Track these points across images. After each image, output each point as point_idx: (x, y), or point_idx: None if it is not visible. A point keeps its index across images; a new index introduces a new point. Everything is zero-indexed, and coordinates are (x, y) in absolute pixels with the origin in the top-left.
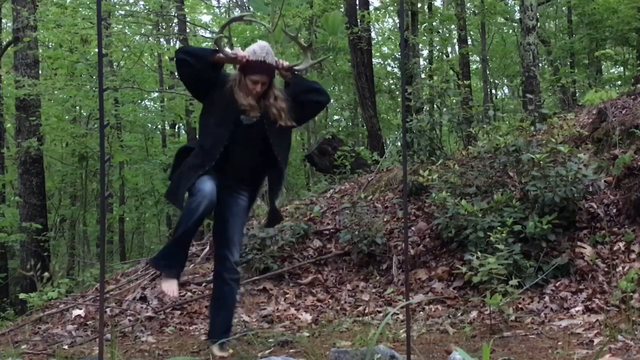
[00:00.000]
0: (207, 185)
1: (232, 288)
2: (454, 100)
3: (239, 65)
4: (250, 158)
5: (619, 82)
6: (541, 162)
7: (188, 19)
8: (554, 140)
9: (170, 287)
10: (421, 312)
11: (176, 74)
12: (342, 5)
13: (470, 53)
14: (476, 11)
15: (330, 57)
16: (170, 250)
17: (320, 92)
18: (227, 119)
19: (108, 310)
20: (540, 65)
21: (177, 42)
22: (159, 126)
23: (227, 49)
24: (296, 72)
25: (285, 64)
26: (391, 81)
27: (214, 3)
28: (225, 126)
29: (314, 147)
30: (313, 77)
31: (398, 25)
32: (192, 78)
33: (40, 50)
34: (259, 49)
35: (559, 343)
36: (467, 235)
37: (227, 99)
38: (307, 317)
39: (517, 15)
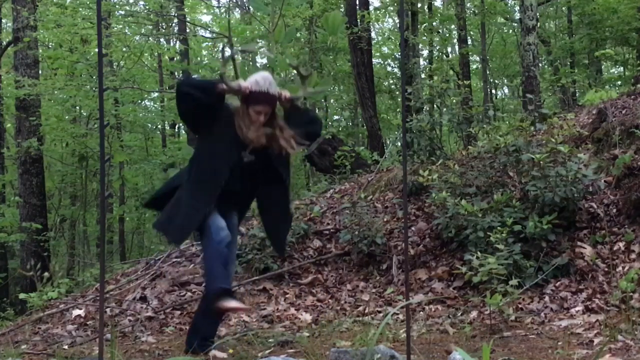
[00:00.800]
0: (221, 222)
1: None
2: (454, 100)
3: (241, 96)
4: (244, 187)
5: (619, 82)
6: (541, 162)
7: (188, 19)
8: (554, 140)
9: (235, 304)
10: (421, 312)
11: (176, 109)
12: (342, 5)
13: (470, 53)
14: (476, 11)
15: (331, 57)
16: (222, 284)
17: (315, 123)
18: (228, 155)
19: (108, 310)
20: (540, 65)
21: (177, 42)
22: (159, 126)
23: (231, 82)
24: (295, 104)
25: (287, 95)
26: (391, 81)
27: (214, 3)
28: (226, 163)
29: (314, 147)
30: (313, 77)
31: (398, 25)
32: (196, 111)
33: (40, 50)
34: (261, 79)
35: (559, 343)
36: (467, 235)
37: (229, 133)
38: (307, 317)
39: (517, 15)
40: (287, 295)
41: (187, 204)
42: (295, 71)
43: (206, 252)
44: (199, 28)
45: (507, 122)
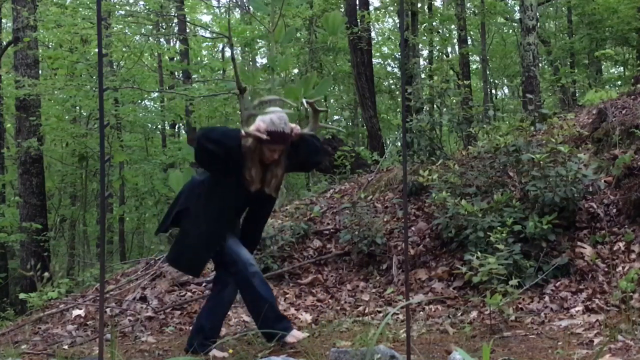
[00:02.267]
0: (245, 252)
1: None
2: (454, 100)
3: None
4: (245, 206)
5: (619, 82)
6: (541, 162)
7: (188, 19)
8: (554, 140)
9: (301, 335)
10: (421, 312)
11: (194, 158)
12: (342, 5)
13: (470, 53)
14: (476, 11)
15: (331, 57)
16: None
17: (320, 152)
18: (239, 191)
19: (108, 310)
20: (540, 65)
21: (177, 42)
22: (159, 126)
23: (251, 129)
24: (304, 135)
25: (297, 131)
26: (391, 81)
27: (214, 3)
28: (236, 200)
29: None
30: (313, 77)
31: (398, 25)
32: (218, 163)
33: (40, 50)
34: (277, 119)
35: (559, 343)
36: (467, 235)
37: (240, 171)
38: (307, 317)
39: (517, 15)
40: (287, 295)
41: (198, 238)
42: (306, 105)
43: (246, 283)
44: (199, 28)
45: (507, 122)
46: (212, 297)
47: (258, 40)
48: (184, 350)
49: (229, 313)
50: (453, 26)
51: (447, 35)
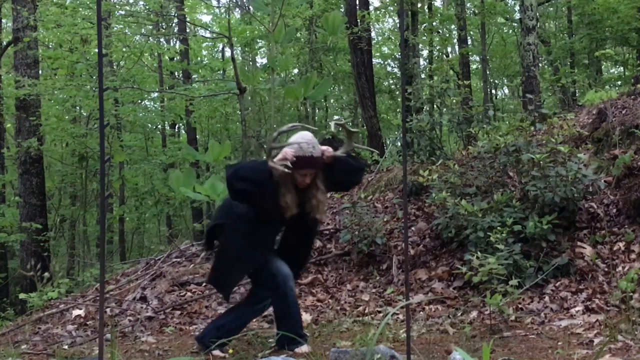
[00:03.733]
0: (284, 267)
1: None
2: (454, 100)
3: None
4: (288, 230)
5: (619, 82)
6: (541, 162)
7: (188, 19)
8: (554, 140)
9: (306, 349)
10: (421, 312)
11: (230, 195)
12: (342, 5)
13: (470, 53)
14: (476, 11)
15: (331, 57)
16: (293, 331)
17: (358, 172)
18: (280, 219)
19: (108, 310)
20: (540, 65)
21: (177, 42)
22: (159, 126)
23: (277, 160)
24: (338, 157)
25: (330, 153)
26: (391, 81)
27: (214, 3)
28: (278, 226)
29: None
30: (313, 77)
31: (398, 25)
32: (247, 198)
33: (40, 50)
34: (305, 144)
35: (559, 343)
36: (467, 235)
37: (275, 200)
38: (307, 317)
39: (517, 15)
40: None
41: (231, 260)
42: (334, 128)
43: (282, 298)
44: (199, 28)
45: (507, 122)
46: (242, 305)
47: (258, 40)
48: (195, 339)
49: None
50: (453, 26)
51: (447, 35)
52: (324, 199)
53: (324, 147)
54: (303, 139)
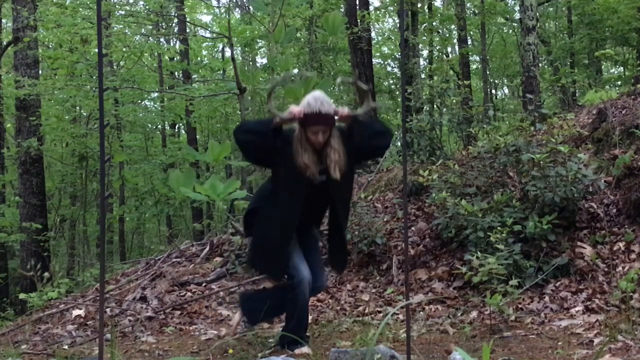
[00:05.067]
0: (305, 269)
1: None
2: (454, 100)
3: (298, 122)
4: (319, 207)
5: (619, 82)
6: (541, 162)
7: (188, 19)
8: (554, 140)
9: (306, 350)
10: (421, 312)
11: (241, 154)
12: (342, 5)
13: (470, 53)
14: (476, 11)
15: (330, 57)
16: (295, 332)
17: (384, 134)
18: (299, 186)
19: (108, 310)
20: (540, 65)
21: (177, 42)
22: (159, 126)
23: (282, 113)
24: (357, 117)
25: (345, 112)
26: (391, 81)
27: (214, 3)
28: (300, 192)
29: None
30: (313, 78)
31: (398, 25)
32: (260, 154)
33: (40, 50)
34: (313, 100)
35: (559, 343)
36: (467, 235)
37: (291, 161)
38: None
39: (517, 15)
40: None
41: (275, 243)
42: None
43: (293, 299)
44: (199, 28)
45: (507, 122)
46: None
47: (258, 40)
48: (243, 310)
49: (228, 313)
50: (453, 26)
51: (447, 35)
52: (340, 159)
53: (341, 109)
54: (312, 97)
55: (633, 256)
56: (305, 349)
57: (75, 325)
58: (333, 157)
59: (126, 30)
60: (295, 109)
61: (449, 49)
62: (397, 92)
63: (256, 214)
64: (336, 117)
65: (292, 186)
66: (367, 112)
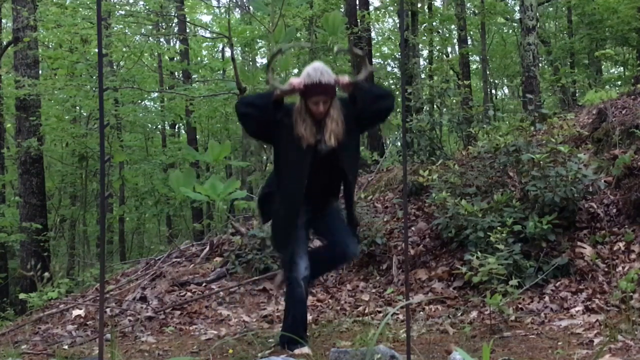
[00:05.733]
0: (303, 265)
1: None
2: (454, 100)
3: (299, 93)
4: (329, 178)
5: (619, 82)
6: (541, 162)
7: (188, 19)
8: (554, 140)
9: (307, 350)
10: (421, 312)
11: (242, 128)
12: (342, 5)
13: (470, 53)
14: (476, 11)
15: (330, 57)
16: (294, 331)
17: (385, 97)
18: (303, 156)
19: (108, 310)
20: (540, 65)
21: (177, 42)
22: (159, 126)
23: (282, 85)
24: (358, 83)
25: (346, 79)
26: (391, 81)
27: (214, 3)
28: (303, 164)
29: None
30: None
31: (398, 25)
32: (260, 127)
33: (40, 50)
34: (312, 71)
35: (559, 343)
36: (467, 235)
37: (290, 133)
38: (307, 317)
39: (517, 15)
40: None
41: (282, 218)
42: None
43: (289, 294)
44: (199, 28)
45: (507, 122)
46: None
47: (258, 40)
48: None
49: (228, 313)
50: (453, 26)
51: (447, 35)
52: (335, 127)
53: (342, 77)
54: (312, 67)
55: (633, 256)
56: (305, 349)
57: (75, 325)
58: (330, 126)
59: (126, 30)
60: (295, 81)
61: (449, 49)
62: (397, 92)
63: (268, 198)
64: (337, 86)
65: (294, 159)
66: (366, 77)
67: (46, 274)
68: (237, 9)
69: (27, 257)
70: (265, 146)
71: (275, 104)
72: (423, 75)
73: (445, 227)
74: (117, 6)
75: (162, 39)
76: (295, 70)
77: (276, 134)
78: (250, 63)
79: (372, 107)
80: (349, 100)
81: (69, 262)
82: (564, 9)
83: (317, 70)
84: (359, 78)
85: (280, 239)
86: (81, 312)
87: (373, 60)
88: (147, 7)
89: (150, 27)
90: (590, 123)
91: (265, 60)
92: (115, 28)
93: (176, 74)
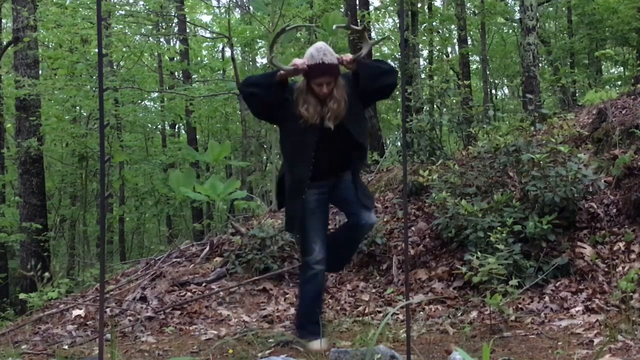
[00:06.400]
0: (320, 250)
1: (362, 235)
2: (454, 100)
3: (302, 74)
4: (338, 153)
5: (619, 82)
6: (541, 162)
7: (188, 19)
8: (554, 140)
9: (318, 345)
10: (421, 312)
11: (247, 109)
12: (342, 5)
13: (470, 53)
14: (476, 11)
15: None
16: (305, 313)
17: (389, 72)
18: (308, 136)
19: (108, 310)
20: (540, 65)
21: (177, 42)
22: (159, 126)
23: (284, 65)
24: (361, 59)
25: (349, 57)
26: None
27: (214, 3)
28: (308, 144)
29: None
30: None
31: (398, 25)
32: (265, 107)
33: (40, 50)
34: (315, 51)
35: (559, 343)
36: (467, 235)
37: (294, 112)
38: None
39: (517, 15)
40: (287, 295)
41: (290, 195)
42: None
43: (303, 281)
44: (199, 28)
45: (507, 122)
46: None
47: (258, 40)
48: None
49: (228, 313)
50: (453, 26)
51: (447, 35)
52: (336, 108)
53: (345, 55)
54: (314, 48)
55: (633, 256)
56: (315, 344)
57: (75, 325)
58: (332, 106)
59: (126, 30)
60: (298, 61)
61: (449, 49)
62: (397, 92)
63: (282, 182)
64: (341, 65)
65: (298, 139)
66: (368, 53)
67: (46, 274)
68: (237, 9)
69: (27, 257)
70: (264, 146)
71: (279, 84)
72: (423, 75)
73: (445, 227)
74: (117, 6)
75: (162, 39)
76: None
77: (280, 114)
78: (250, 63)
79: (375, 84)
80: (352, 78)
81: (69, 262)
82: (564, 9)
83: (320, 50)
84: (361, 54)
85: (291, 220)
86: (81, 312)
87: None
88: (147, 7)
89: (150, 27)
90: (590, 123)
91: (265, 60)
92: (115, 28)
93: (176, 74)
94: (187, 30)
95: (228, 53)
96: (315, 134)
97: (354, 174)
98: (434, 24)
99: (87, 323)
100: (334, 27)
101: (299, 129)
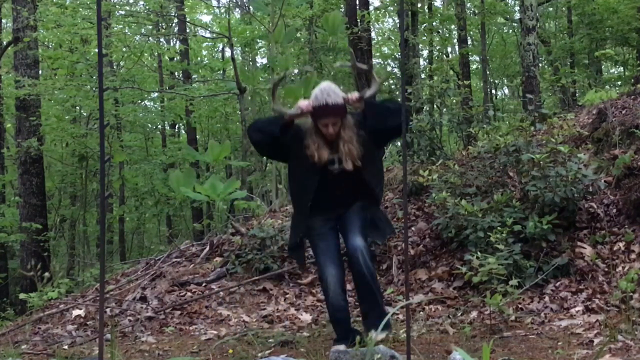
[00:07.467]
0: (330, 268)
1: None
2: (454, 100)
3: (309, 115)
4: (351, 188)
5: (619, 82)
6: (541, 162)
7: (188, 19)
8: (554, 140)
9: (341, 347)
10: (421, 312)
11: (255, 151)
12: (342, 5)
13: (470, 53)
14: (476, 11)
15: (331, 57)
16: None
17: (395, 112)
18: (311, 175)
19: (108, 310)
20: (540, 65)
21: (177, 42)
22: (159, 126)
23: (289, 109)
24: (368, 99)
25: (355, 96)
26: (391, 81)
27: (214, 3)
28: (310, 182)
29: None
30: (313, 77)
31: (398, 25)
32: (271, 150)
33: (40, 50)
34: (319, 92)
35: (559, 343)
36: (467, 235)
37: (302, 153)
38: (307, 317)
39: (517, 15)
40: (287, 295)
41: (292, 227)
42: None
43: (324, 292)
44: (199, 28)
45: (507, 122)
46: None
47: (258, 40)
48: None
49: (228, 313)
50: (453, 26)
51: (447, 35)
52: (348, 151)
53: (351, 95)
54: (319, 89)
55: (633, 256)
56: (341, 347)
57: (75, 325)
58: (343, 149)
59: (126, 30)
60: (303, 103)
61: (449, 49)
62: (397, 92)
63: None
64: (347, 104)
65: (302, 177)
66: (376, 91)
67: (46, 274)
68: (237, 9)
69: (27, 257)
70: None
71: (285, 127)
72: (423, 75)
73: (445, 227)
74: (117, 6)
75: (162, 39)
76: (296, 70)
77: (287, 153)
78: (250, 63)
79: (383, 124)
80: (361, 116)
81: (69, 262)
82: (564, 9)
83: (324, 91)
84: (367, 94)
85: (292, 242)
86: (81, 312)
87: (373, 60)
88: (147, 7)
89: (150, 27)
90: (590, 123)
91: (265, 60)
92: (115, 28)
93: (176, 74)
94: (187, 30)
95: (228, 53)
96: (318, 175)
97: (365, 203)
98: (434, 24)
99: (87, 323)
100: (338, 64)
101: (303, 168)
